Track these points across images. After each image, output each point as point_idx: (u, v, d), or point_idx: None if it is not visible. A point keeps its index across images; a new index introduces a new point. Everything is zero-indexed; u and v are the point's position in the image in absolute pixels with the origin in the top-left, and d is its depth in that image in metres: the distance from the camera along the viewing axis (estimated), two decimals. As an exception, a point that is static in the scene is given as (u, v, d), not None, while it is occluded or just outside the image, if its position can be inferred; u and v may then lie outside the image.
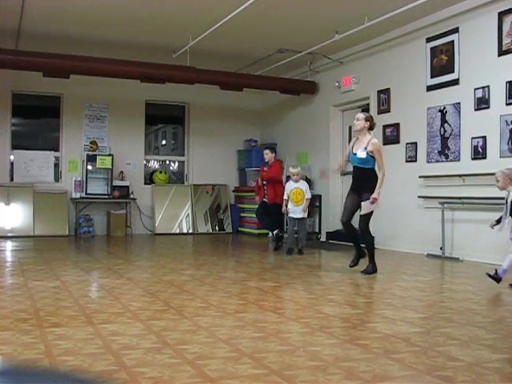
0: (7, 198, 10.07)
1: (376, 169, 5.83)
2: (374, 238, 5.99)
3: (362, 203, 5.74)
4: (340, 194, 9.94)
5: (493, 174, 6.64)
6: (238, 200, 11.88)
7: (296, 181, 7.69)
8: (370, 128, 5.92)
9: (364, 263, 5.90)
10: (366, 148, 5.74)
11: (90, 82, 9.98)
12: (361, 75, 9.23)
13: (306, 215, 7.78)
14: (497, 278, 4.95)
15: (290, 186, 7.72)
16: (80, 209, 10.57)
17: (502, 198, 6.54)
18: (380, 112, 8.77)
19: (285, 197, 7.72)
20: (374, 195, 5.64)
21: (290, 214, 7.71)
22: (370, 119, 5.89)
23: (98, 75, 9.18)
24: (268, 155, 8.23)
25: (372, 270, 5.75)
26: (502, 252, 6.56)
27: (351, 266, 5.94)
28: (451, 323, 3.63)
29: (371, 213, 5.84)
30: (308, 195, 7.72)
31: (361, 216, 5.79)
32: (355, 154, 5.82)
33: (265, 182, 8.16)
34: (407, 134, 8.21)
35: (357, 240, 6.03)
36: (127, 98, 11.05)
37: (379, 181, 5.70)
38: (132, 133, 11.25)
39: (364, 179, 5.75)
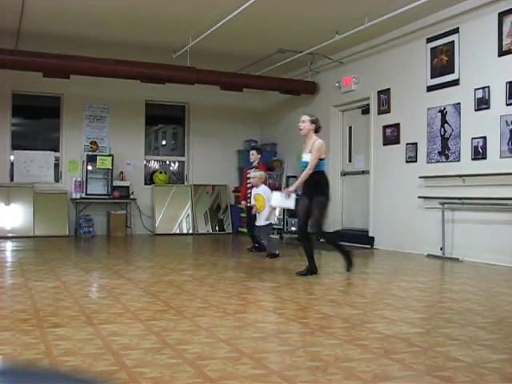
0: (7, 198, 10.07)
1: (325, 170, 5.73)
2: (312, 242, 5.76)
3: (274, 193, 5.76)
4: (340, 195, 9.95)
5: (493, 175, 6.68)
6: (238, 200, 11.86)
7: (256, 186, 7.29)
8: (316, 131, 5.74)
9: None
10: (310, 151, 5.56)
11: (90, 82, 9.98)
12: (361, 75, 9.23)
13: (268, 222, 7.18)
14: None
15: (253, 191, 7.36)
16: (80, 209, 10.57)
17: (503, 198, 6.55)
18: (380, 112, 8.77)
19: (252, 202, 7.37)
20: (290, 189, 5.62)
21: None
22: (315, 121, 5.72)
23: (97, 75, 9.18)
24: (254, 156, 7.99)
25: (306, 271, 5.58)
26: (502, 252, 6.57)
27: (348, 270, 5.84)
28: (451, 323, 3.63)
29: (322, 217, 5.63)
30: (271, 202, 6.98)
31: (312, 219, 5.59)
32: (302, 159, 5.67)
33: (249, 186, 7.80)
34: (407, 134, 8.21)
35: (335, 243, 6.00)
36: (127, 98, 11.05)
37: (300, 178, 5.60)
38: (132, 133, 11.25)
39: (313, 183, 5.56)
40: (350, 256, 5.87)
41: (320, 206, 5.54)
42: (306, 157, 5.56)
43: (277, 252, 7.28)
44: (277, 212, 5.66)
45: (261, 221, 7.15)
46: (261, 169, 7.80)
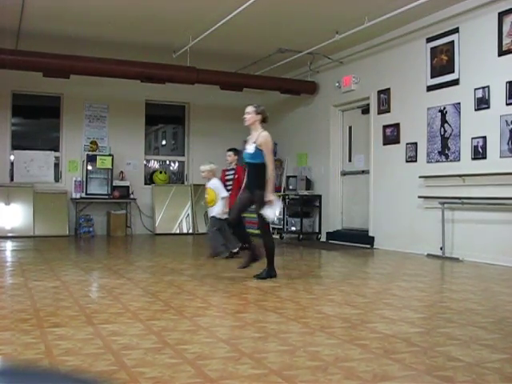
0: (7, 198, 10.07)
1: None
2: (273, 241, 5.43)
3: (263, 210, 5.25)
4: (340, 194, 9.95)
5: (493, 175, 6.68)
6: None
7: (207, 179, 7.05)
8: (263, 121, 5.46)
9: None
10: (255, 142, 5.32)
11: (90, 82, 9.98)
12: (361, 75, 9.23)
13: (217, 215, 6.91)
14: None
15: (207, 185, 7.12)
16: (80, 209, 10.58)
17: (503, 198, 6.55)
18: (380, 112, 8.77)
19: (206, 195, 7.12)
20: (269, 198, 5.17)
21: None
22: (261, 111, 5.42)
23: (98, 75, 9.18)
24: (230, 157, 7.64)
25: (266, 275, 5.27)
26: (502, 252, 6.57)
27: (239, 267, 5.50)
28: (451, 323, 3.63)
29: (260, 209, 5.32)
30: (222, 193, 6.90)
31: (259, 216, 5.32)
32: (246, 150, 5.39)
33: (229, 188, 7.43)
34: (407, 134, 8.21)
35: (245, 240, 5.65)
36: (127, 97, 11.05)
37: (268, 181, 5.19)
38: (132, 133, 11.25)
39: (254, 175, 5.30)
40: (254, 260, 5.50)
41: (260, 201, 5.22)
42: (250, 148, 5.29)
43: (221, 250, 6.88)
44: (277, 212, 5.38)
45: (212, 213, 6.93)
46: (239, 170, 7.48)
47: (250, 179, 5.38)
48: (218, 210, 6.87)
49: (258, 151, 5.24)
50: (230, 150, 7.86)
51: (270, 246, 5.33)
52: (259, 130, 5.40)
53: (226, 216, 6.64)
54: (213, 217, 6.93)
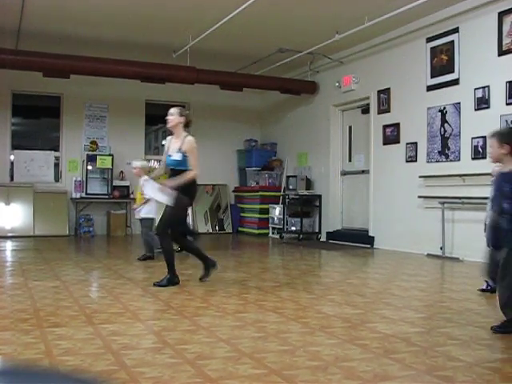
0: (7, 198, 10.07)
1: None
2: (172, 246, 5.17)
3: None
4: (340, 194, 9.95)
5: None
6: (238, 200, 11.88)
7: (138, 176, 6.79)
8: (187, 125, 5.24)
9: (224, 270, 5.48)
10: (180, 149, 5.04)
11: (90, 82, 9.98)
12: (361, 75, 9.23)
13: (148, 215, 6.72)
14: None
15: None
16: (80, 209, 10.57)
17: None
18: (380, 112, 8.77)
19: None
20: (168, 184, 4.95)
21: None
22: (185, 114, 5.22)
23: (97, 75, 9.18)
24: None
25: (167, 282, 4.95)
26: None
27: (200, 279, 5.23)
28: (451, 323, 3.63)
29: (175, 216, 5.15)
30: (146, 190, 6.58)
31: (162, 218, 5.12)
32: (170, 156, 5.11)
33: None
34: (407, 134, 8.21)
35: (194, 252, 5.40)
36: (127, 97, 11.05)
37: (186, 176, 4.95)
38: (132, 133, 11.25)
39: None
40: (211, 267, 5.29)
41: (178, 204, 5.02)
42: (177, 155, 5.02)
43: (151, 254, 6.72)
44: (163, 200, 4.97)
45: (140, 213, 6.70)
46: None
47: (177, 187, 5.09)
48: (145, 210, 6.70)
49: (185, 157, 5.01)
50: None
51: (168, 250, 5.07)
52: (183, 134, 5.16)
53: (147, 215, 6.61)
54: (143, 218, 6.73)
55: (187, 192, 5.02)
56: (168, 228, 5.08)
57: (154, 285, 4.91)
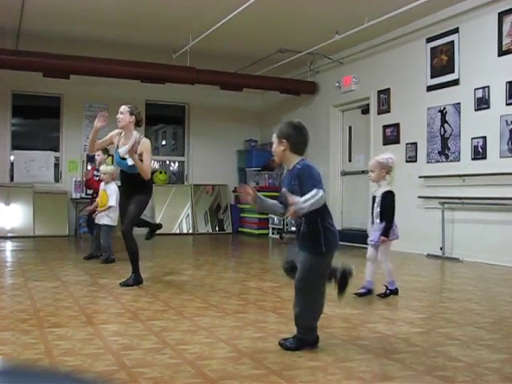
0: (7, 197, 10.07)
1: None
2: (137, 245, 5.10)
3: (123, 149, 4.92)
4: (340, 194, 9.95)
5: (493, 175, 6.68)
6: (238, 200, 11.87)
7: (105, 182, 6.65)
8: (137, 124, 5.10)
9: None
10: (136, 152, 4.87)
11: (90, 82, 9.97)
12: (361, 75, 9.23)
13: (110, 223, 6.56)
14: (370, 290, 4.51)
15: (101, 187, 6.74)
16: (80, 209, 10.56)
17: (503, 198, 6.55)
18: (380, 112, 8.77)
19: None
20: (132, 151, 4.78)
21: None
22: (135, 113, 5.05)
23: (97, 75, 9.18)
24: (100, 156, 7.04)
25: (133, 282, 4.92)
26: (502, 252, 6.57)
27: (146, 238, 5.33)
28: (451, 323, 3.63)
29: (138, 215, 5.08)
30: (110, 202, 6.46)
31: (125, 218, 5.04)
32: (124, 159, 4.97)
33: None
34: (407, 134, 8.21)
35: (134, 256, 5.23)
36: (127, 98, 10.99)
37: (141, 164, 4.84)
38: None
39: (135, 185, 5.00)
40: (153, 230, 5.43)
41: (139, 203, 4.99)
42: (130, 161, 4.88)
43: (113, 257, 6.60)
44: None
45: (102, 219, 6.55)
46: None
47: (131, 189, 5.03)
48: (109, 219, 6.55)
49: (140, 161, 4.89)
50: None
51: (133, 250, 5.03)
52: (134, 134, 5.03)
53: (108, 222, 6.51)
54: (105, 225, 6.57)
55: (143, 191, 5.04)
56: (133, 226, 5.03)
57: (120, 285, 4.89)
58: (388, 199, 4.41)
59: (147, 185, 5.09)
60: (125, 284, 4.91)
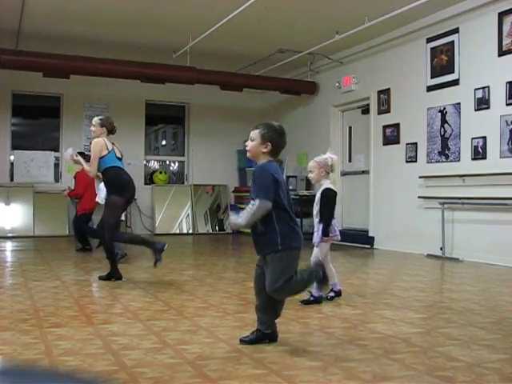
0: (7, 198, 10.07)
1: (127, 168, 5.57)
2: (113, 247, 5.34)
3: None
4: (340, 194, 9.91)
5: (493, 175, 6.68)
6: (238, 200, 11.88)
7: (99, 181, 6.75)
8: (110, 132, 5.42)
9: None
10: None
11: (90, 82, 9.98)
12: (361, 75, 9.23)
13: None
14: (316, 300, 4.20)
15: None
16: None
17: (503, 198, 6.55)
18: (380, 112, 8.77)
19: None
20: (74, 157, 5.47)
21: None
22: (106, 124, 5.36)
23: (97, 75, 9.18)
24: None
25: (107, 276, 5.21)
26: (502, 252, 6.57)
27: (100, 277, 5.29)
28: (451, 323, 3.63)
29: (113, 217, 5.23)
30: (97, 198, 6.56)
31: (101, 220, 5.31)
32: (121, 159, 5.46)
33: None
34: (407, 134, 8.21)
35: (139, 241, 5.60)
36: (127, 97, 11.05)
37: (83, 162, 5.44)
38: (132, 133, 11.24)
39: (106, 183, 5.45)
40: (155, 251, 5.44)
41: (109, 204, 5.24)
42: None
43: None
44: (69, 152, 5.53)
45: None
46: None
47: (106, 187, 5.46)
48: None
49: (100, 160, 5.25)
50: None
51: (111, 250, 5.28)
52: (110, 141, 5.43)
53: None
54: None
55: (113, 191, 5.26)
56: (115, 231, 5.22)
57: (99, 278, 5.23)
58: (326, 198, 4.26)
59: (116, 183, 5.24)
60: (101, 278, 5.22)
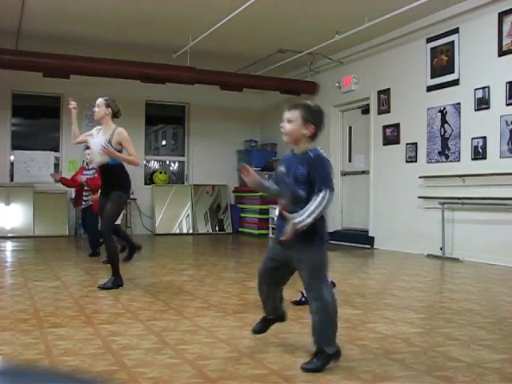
0: (7, 198, 10.07)
1: (125, 164, 5.05)
2: (116, 246, 5.06)
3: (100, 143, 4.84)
4: (340, 195, 9.94)
5: (493, 175, 6.68)
6: (238, 200, 11.87)
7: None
8: (115, 115, 5.13)
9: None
10: (110, 141, 4.91)
11: (90, 82, 9.97)
12: (361, 75, 9.23)
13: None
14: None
15: None
16: (80, 209, 10.56)
17: (503, 198, 6.55)
18: (380, 112, 8.77)
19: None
20: (107, 147, 4.73)
21: None
22: (112, 105, 5.08)
23: (97, 75, 9.17)
24: (90, 156, 6.67)
25: (112, 284, 4.74)
26: (502, 252, 6.57)
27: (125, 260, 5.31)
28: (451, 323, 3.63)
29: (117, 213, 5.02)
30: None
31: (102, 217, 4.92)
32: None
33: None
34: (407, 134, 8.20)
35: (127, 240, 5.58)
36: (127, 97, 11.03)
37: (125, 157, 4.94)
38: (132, 133, 11.11)
39: (111, 178, 4.92)
40: (133, 250, 5.34)
41: (117, 200, 4.87)
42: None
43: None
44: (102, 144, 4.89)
45: None
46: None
47: (107, 184, 4.95)
48: None
49: (116, 151, 4.87)
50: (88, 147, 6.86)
51: (113, 251, 4.89)
52: (112, 126, 5.03)
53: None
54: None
55: (120, 187, 4.89)
56: (112, 225, 4.90)
57: (99, 287, 4.72)
58: None
59: (124, 179, 4.98)
60: (103, 287, 4.71)
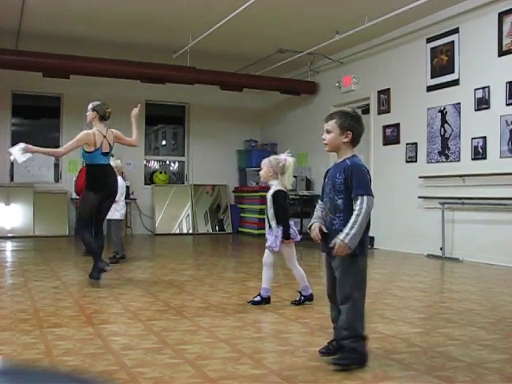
0: (7, 198, 10.07)
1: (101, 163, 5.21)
2: (92, 237, 5.16)
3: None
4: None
5: (493, 175, 6.68)
6: (238, 200, 11.88)
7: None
8: (102, 118, 5.39)
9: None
10: (111, 146, 5.44)
11: (89, 82, 9.97)
12: (361, 75, 9.23)
13: (120, 217, 6.77)
14: (265, 299, 4.16)
15: None
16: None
17: (503, 198, 6.55)
18: (380, 112, 8.77)
19: None
20: (29, 148, 4.84)
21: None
22: (97, 108, 5.35)
23: (97, 75, 9.18)
24: None
25: (98, 273, 4.98)
26: (502, 252, 6.57)
27: (90, 276, 5.09)
28: (451, 323, 3.63)
29: (83, 211, 5.20)
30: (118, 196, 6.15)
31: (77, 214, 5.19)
32: (106, 155, 5.32)
33: None
34: (407, 134, 8.20)
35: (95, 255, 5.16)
36: (127, 97, 11.03)
37: (44, 150, 5.28)
38: (132, 133, 11.24)
39: (86, 178, 5.37)
40: (98, 266, 5.04)
41: (82, 199, 5.28)
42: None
43: (123, 253, 6.74)
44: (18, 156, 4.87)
45: (114, 214, 6.45)
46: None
47: (86, 181, 5.42)
48: (119, 212, 6.63)
49: (84, 152, 5.26)
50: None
51: (88, 240, 5.09)
52: (103, 128, 5.42)
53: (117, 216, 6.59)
54: (115, 219, 6.62)
55: (87, 187, 5.23)
56: (83, 225, 5.16)
57: (90, 277, 5.03)
58: (278, 200, 4.12)
59: (92, 179, 5.21)
60: (95, 278, 4.99)
